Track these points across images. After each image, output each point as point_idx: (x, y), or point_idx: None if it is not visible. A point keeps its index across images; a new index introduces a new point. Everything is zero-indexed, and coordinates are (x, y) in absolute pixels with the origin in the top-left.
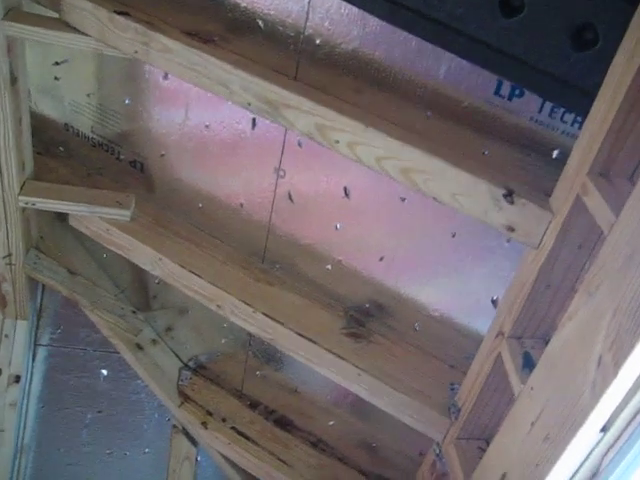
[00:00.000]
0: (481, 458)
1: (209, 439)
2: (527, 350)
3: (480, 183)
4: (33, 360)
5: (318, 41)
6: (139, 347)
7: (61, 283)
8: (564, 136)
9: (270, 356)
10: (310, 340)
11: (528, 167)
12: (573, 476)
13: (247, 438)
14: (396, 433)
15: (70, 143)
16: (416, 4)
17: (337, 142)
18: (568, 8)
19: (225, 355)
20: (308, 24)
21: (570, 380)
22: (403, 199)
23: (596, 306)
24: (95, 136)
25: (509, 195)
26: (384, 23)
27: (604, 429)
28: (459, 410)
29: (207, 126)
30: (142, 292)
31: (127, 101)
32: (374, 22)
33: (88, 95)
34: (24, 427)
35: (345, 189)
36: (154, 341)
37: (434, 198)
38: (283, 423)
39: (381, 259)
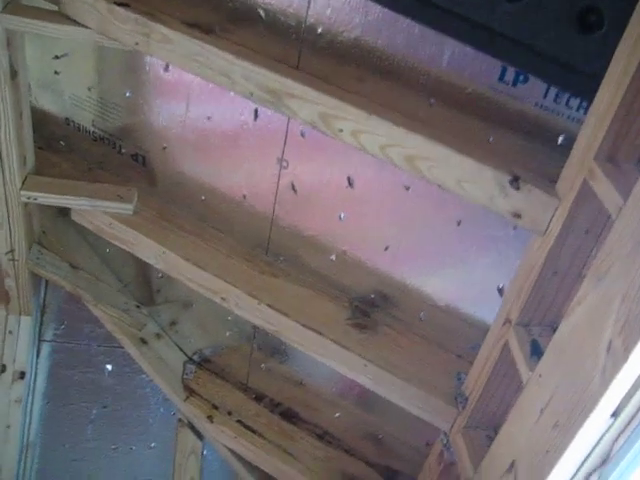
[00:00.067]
0: (489, 447)
1: (215, 433)
2: (535, 338)
3: (485, 169)
4: (37, 356)
5: (320, 30)
6: (143, 341)
7: (64, 278)
8: (569, 121)
9: (275, 349)
10: (315, 331)
11: (533, 153)
12: (583, 462)
13: (253, 431)
14: (402, 424)
15: (71, 137)
16: None
17: (341, 131)
18: None
19: (230, 348)
20: (309, 13)
21: (579, 366)
22: (407, 188)
23: (605, 291)
24: (96, 130)
25: (515, 181)
26: (386, 10)
27: (615, 414)
28: (466, 399)
29: (209, 118)
30: (145, 286)
31: (128, 94)
32: (376, 10)
33: (89, 89)
34: (29, 423)
35: (349, 179)
36: (158, 335)
37: (439, 185)
38: (289, 416)
39: (386, 249)
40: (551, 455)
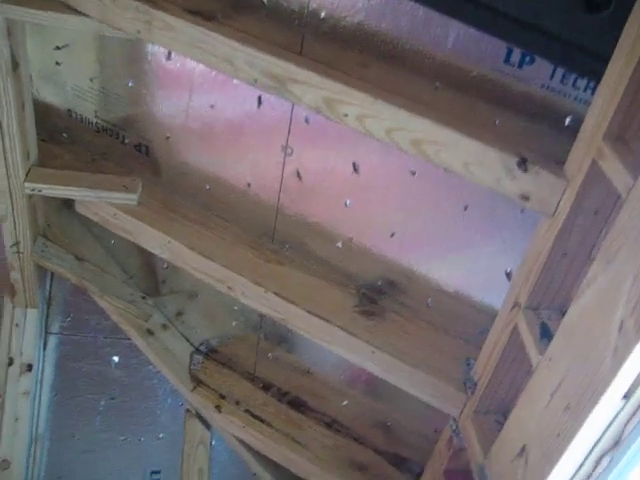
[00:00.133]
0: (499, 432)
1: (223, 423)
2: (544, 321)
3: (492, 152)
4: (44, 349)
5: (323, 14)
6: (150, 332)
7: (69, 270)
8: (577, 102)
9: (282, 337)
10: (322, 319)
11: (540, 135)
12: (595, 445)
13: (261, 420)
14: (411, 411)
15: (74, 129)
16: None
17: (346, 115)
18: None
19: (236, 338)
20: None
21: (590, 348)
22: (413, 173)
23: (615, 272)
24: (99, 121)
25: (523, 163)
26: None
27: (626, 396)
28: (475, 384)
29: (212, 106)
30: (151, 277)
31: (130, 84)
32: None
33: (90, 79)
34: (38, 416)
35: (354, 164)
36: (164, 326)
37: (446, 169)
38: (297, 404)
39: (392, 235)
40: (562, 439)
